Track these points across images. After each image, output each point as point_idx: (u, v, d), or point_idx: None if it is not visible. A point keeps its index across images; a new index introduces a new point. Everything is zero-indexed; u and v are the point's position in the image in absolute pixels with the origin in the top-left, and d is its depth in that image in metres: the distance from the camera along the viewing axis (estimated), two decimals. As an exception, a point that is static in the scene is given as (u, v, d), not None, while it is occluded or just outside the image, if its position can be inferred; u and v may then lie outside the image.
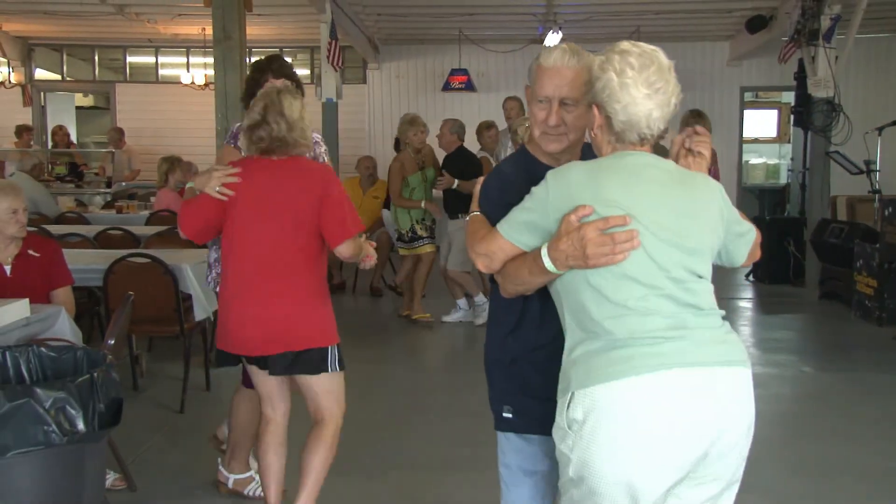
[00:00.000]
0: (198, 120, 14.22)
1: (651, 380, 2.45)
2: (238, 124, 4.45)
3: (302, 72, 16.79)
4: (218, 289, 4.45)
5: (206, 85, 15.19)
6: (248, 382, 4.53)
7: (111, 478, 4.81)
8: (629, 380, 2.46)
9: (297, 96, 4.14)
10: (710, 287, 2.67)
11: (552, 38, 14.27)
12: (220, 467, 4.90)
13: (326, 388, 4.19)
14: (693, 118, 8.18)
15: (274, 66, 4.67)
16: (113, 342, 4.63)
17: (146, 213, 10.47)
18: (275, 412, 4.28)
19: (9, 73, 16.26)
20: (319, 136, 4.63)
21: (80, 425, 3.03)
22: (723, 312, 2.67)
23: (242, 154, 4.31)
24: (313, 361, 4.09)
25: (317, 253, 4.15)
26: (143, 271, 6.41)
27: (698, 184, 2.70)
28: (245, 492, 4.84)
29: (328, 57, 11.87)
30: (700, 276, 2.61)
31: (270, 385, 4.25)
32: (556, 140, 2.86)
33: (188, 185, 4.21)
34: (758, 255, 2.96)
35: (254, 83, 4.60)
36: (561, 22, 13.91)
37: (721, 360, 2.60)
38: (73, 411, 3.01)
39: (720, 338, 2.64)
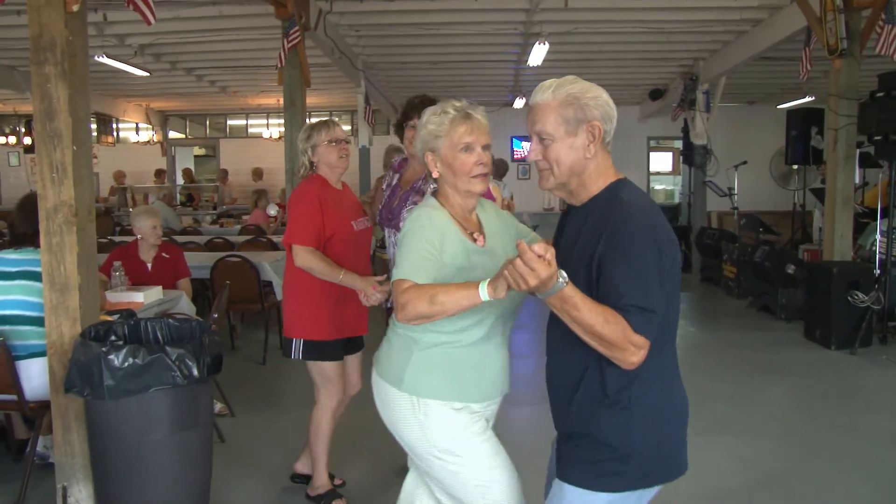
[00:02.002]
0: (274, 163, 14.25)
1: None
2: (397, 158, 3.94)
3: (344, 128, 16.79)
4: None
5: (279, 139, 15.22)
6: None
7: (217, 406, 4.88)
8: None
9: None
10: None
11: (519, 102, 14.30)
12: None
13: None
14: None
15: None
16: (216, 316, 4.67)
17: (238, 226, 10.54)
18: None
19: (152, 135, 16.51)
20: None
21: (195, 372, 3.06)
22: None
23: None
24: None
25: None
26: (236, 267, 6.45)
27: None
28: None
29: (364, 117, 11.92)
30: None
31: None
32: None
33: None
34: None
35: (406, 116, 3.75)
36: (524, 91, 13.86)
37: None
38: (190, 363, 3.05)
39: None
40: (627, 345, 1.79)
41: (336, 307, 3.54)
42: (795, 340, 7.25)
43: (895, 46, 6.28)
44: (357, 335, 3.77)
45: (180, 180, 16.35)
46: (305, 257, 3.40)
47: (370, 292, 3.40)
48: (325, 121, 3.69)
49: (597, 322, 1.76)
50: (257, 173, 15.28)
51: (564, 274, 1.74)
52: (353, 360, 3.82)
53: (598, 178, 2.00)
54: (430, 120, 2.34)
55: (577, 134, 1.97)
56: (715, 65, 10.79)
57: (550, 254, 1.71)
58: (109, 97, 14.29)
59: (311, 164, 3.62)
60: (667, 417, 2.01)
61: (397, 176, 3.77)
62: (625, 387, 1.91)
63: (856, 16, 6.74)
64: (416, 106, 3.58)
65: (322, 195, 3.52)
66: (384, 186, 3.84)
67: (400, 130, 3.77)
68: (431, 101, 2.85)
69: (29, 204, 3.67)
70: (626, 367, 1.83)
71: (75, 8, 3.20)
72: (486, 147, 2.33)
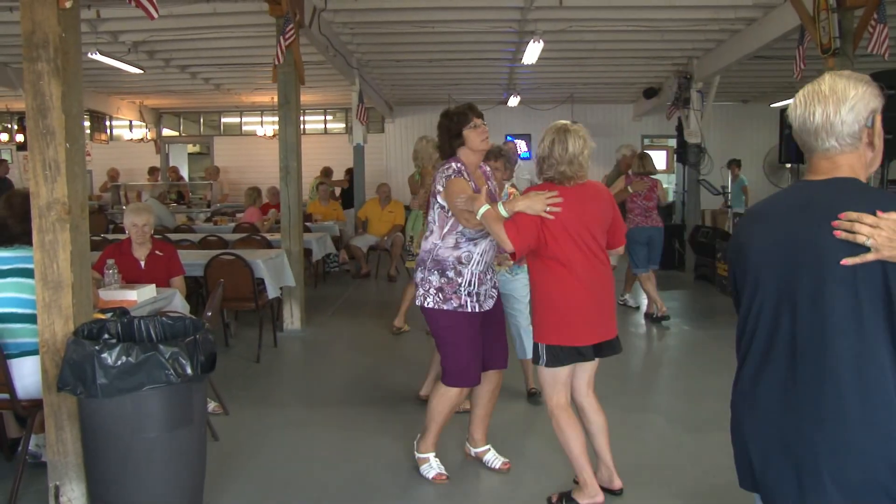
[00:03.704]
0: (268, 160, 14.24)
1: None
2: (451, 164, 3.72)
3: (338, 125, 16.82)
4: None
5: (273, 136, 15.20)
6: (486, 366, 3.86)
7: (211, 405, 4.85)
8: None
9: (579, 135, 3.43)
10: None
11: (513, 100, 14.30)
12: (467, 443, 4.17)
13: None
14: (639, 158, 8.19)
15: (476, 110, 3.82)
16: (210, 314, 4.64)
17: (233, 224, 10.50)
18: (566, 397, 3.54)
19: (146, 132, 16.48)
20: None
21: (189, 370, 3.05)
22: None
23: (472, 185, 3.68)
24: (617, 346, 3.58)
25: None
26: (230, 265, 6.41)
27: None
28: (484, 460, 4.09)
29: (357, 115, 11.89)
30: None
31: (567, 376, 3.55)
32: None
33: (484, 209, 3.39)
34: None
35: (461, 122, 3.76)
36: (519, 89, 13.90)
37: None
38: (183, 361, 3.04)
39: None
40: None
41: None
42: (788, 338, 7.22)
43: (886, 45, 6.33)
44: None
45: (170, 178, 16.30)
46: None
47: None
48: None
49: None
50: (250, 171, 15.25)
51: None
52: None
53: None
54: None
55: None
56: (709, 63, 10.80)
57: None
58: (103, 94, 14.25)
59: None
60: None
61: (472, 183, 3.74)
62: None
63: (848, 15, 6.75)
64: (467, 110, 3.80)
65: None
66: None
67: (458, 138, 3.77)
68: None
69: (18, 201, 3.64)
70: None
71: (68, 4, 3.18)
72: None
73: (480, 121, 3.76)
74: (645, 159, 8.12)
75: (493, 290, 3.88)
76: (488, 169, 4.08)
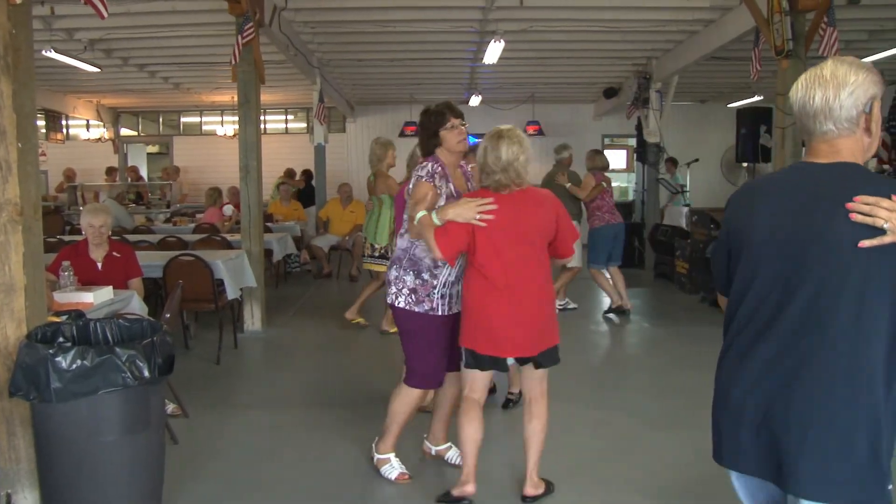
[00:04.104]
0: (228, 160, 14.06)
1: None
2: (426, 165, 3.63)
3: (299, 125, 16.70)
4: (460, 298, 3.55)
5: (234, 136, 15.03)
6: (451, 368, 3.77)
7: (170, 408, 4.78)
8: None
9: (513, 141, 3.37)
10: None
11: (475, 100, 14.32)
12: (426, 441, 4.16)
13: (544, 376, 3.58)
14: (596, 154, 8.31)
15: (455, 109, 3.72)
16: (168, 315, 4.61)
17: (192, 224, 10.37)
18: (480, 396, 3.56)
19: (103, 132, 16.17)
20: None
21: (146, 373, 3.01)
22: None
23: (438, 189, 3.57)
24: (554, 356, 3.52)
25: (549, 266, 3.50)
26: (189, 266, 6.35)
27: None
28: (445, 458, 4.09)
29: (318, 114, 11.82)
30: None
31: (487, 377, 3.61)
32: None
33: (420, 215, 3.39)
34: None
35: (437, 122, 3.68)
36: (480, 89, 13.91)
37: None
38: (140, 363, 2.99)
39: None
40: None
41: None
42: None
43: (836, 48, 6.49)
44: None
45: (129, 178, 16.05)
46: None
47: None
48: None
49: None
50: (209, 171, 15.08)
51: None
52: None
53: None
54: None
55: None
56: (668, 64, 10.94)
57: None
58: (59, 93, 13.95)
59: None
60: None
61: (451, 184, 3.67)
62: None
63: (801, 18, 6.89)
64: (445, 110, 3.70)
65: None
66: (444, 200, 3.61)
67: (434, 137, 3.69)
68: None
69: None
70: None
71: (18, 0, 3.11)
72: None
73: (459, 121, 3.67)
74: (600, 155, 8.26)
75: None
76: (469, 169, 3.99)
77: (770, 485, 1.92)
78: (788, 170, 2.03)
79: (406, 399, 3.81)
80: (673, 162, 12.95)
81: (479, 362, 3.44)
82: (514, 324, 3.36)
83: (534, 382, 3.58)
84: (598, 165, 8.14)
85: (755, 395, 1.90)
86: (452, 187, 3.65)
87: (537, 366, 3.50)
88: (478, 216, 3.27)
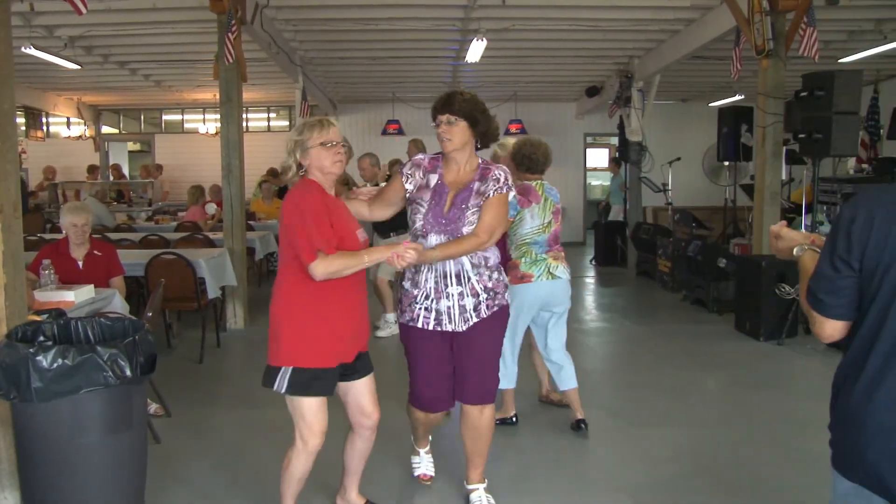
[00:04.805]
0: (210, 158, 13.97)
1: None
2: (422, 157, 3.55)
3: (282, 123, 16.62)
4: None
5: (216, 134, 14.92)
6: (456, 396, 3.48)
7: (153, 407, 4.78)
8: None
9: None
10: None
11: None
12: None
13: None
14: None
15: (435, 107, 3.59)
16: (150, 314, 4.59)
17: (175, 223, 10.30)
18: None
19: (84, 129, 16.02)
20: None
21: (128, 372, 2.98)
22: None
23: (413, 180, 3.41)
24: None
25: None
26: (171, 264, 6.32)
27: None
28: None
29: (301, 113, 11.77)
30: None
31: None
32: None
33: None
34: None
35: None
36: (462, 88, 13.88)
37: None
38: (122, 362, 2.97)
39: None
40: None
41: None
42: (727, 332, 7.42)
43: (816, 48, 6.55)
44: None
45: (113, 176, 15.92)
46: (325, 266, 2.92)
47: (401, 250, 3.00)
48: (319, 119, 3.18)
49: None
50: (191, 169, 14.96)
51: None
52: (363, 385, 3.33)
53: None
54: None
55: None
56: (650, 63, 10.99)
57: None
58: (39, 90, 13.80)
59: (300, 166, 3.14)
60: None
61: (436, 177, 3.40)
62: None
63: (781, 18, 6.96)
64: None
65: (326, 203, 3.04)
66: (412, 188, 3.41)
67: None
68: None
69: None
70: None
71: (-3, -3, 3.09)
72: None
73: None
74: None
75: (472, 313, 3.32)
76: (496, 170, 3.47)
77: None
78: None
79: (409, 411, 3.66)
80: (616, 163, 13.09)
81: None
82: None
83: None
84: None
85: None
86: (432, 179, 3.39)
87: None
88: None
